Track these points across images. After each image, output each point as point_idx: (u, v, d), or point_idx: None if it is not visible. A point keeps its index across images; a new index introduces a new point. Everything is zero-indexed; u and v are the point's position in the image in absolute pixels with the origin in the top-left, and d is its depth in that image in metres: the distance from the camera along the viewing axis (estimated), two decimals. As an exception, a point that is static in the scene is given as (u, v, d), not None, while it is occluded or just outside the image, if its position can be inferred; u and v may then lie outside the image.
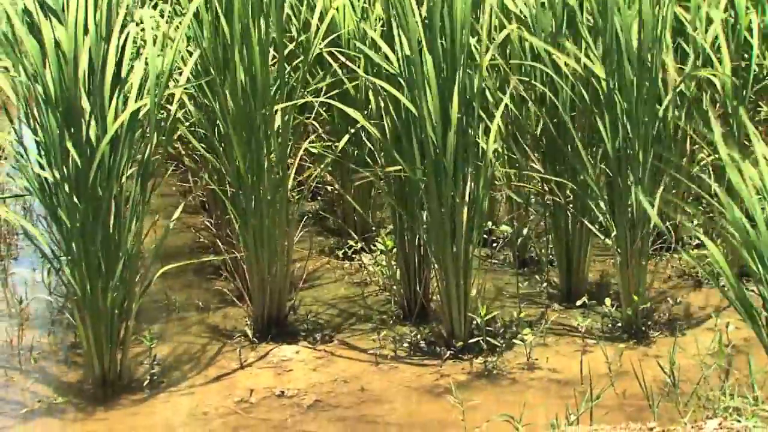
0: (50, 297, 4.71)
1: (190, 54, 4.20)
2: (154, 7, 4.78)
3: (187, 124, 4.47)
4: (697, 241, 5.06)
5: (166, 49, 3.94)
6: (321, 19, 4.44)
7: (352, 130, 4.59)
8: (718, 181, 4.80)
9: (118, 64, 3.79)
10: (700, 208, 5.02)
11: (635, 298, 4.15)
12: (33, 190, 3.80)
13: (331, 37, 4.70)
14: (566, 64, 4.23)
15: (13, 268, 5.19)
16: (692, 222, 4.73)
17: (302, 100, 4.34)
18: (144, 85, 3.82)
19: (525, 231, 4.96)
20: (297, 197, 4.54)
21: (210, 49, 4.08)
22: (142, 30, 3.97)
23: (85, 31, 3.70)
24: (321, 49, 4.47)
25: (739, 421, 2.90)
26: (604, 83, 4.13)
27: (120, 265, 3.79)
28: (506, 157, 4.89)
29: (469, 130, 4.04)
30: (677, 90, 4.23)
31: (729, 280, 2.97)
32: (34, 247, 5.26)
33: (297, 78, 4.30)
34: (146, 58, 3.77)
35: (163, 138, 4.04)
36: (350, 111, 4.27)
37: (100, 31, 3.72)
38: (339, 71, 4.65)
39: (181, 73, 4.15)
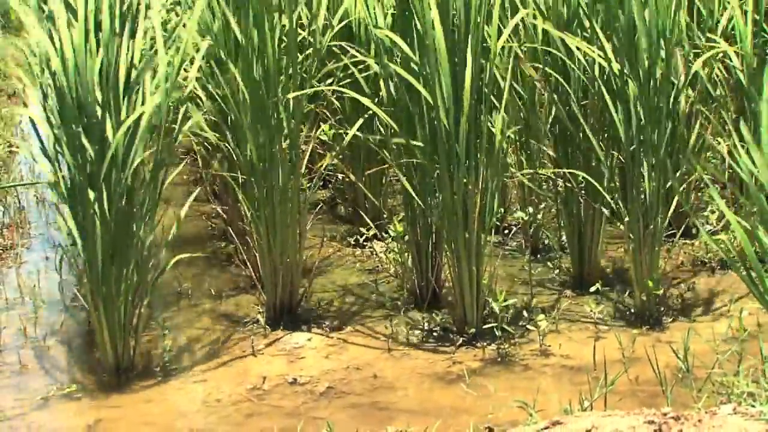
0: (63, 285, 4.72)
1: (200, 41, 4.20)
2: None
3: (200, 113, 4.47)
4: (709, 228, 5.04)
5: (178, 41, 3.94)
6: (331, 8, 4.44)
7: (364, 117, 4.58)
8: (732, 166, 4.79)
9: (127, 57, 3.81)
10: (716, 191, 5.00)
11: (648, 284, 4.14)
12: (47, 178, 3.81)
13: (342, 23, 4.69)
14: (578, 48, 4.21)
15: (26, 257, 5.21)
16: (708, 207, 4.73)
17: (313, 89, 4.33)
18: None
19: (538, 217, 4.94)
20: (309, 185, 4.54)
21: (222, 37, 4.08)
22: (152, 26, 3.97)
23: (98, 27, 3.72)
24: (334, 29, 4.46)
25: (753, 406, 2.89)
26: (616, 67, 4.11)
27: (133, 254, 3.80)
28: (519, 143, 4.88)
29: (482, 117, 4.03)
30: (692, 72, 4.21)
31: (751, 259, 2.95)
32: (47, 236, 5.32)
33: (308, 66, 4.29)
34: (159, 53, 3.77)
35: (175, 127, 4.04)
36: (362, 98, 4.26)
37: (113, 25, 3.74)
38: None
39: (192, 62, 4.15)
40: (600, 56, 4.15)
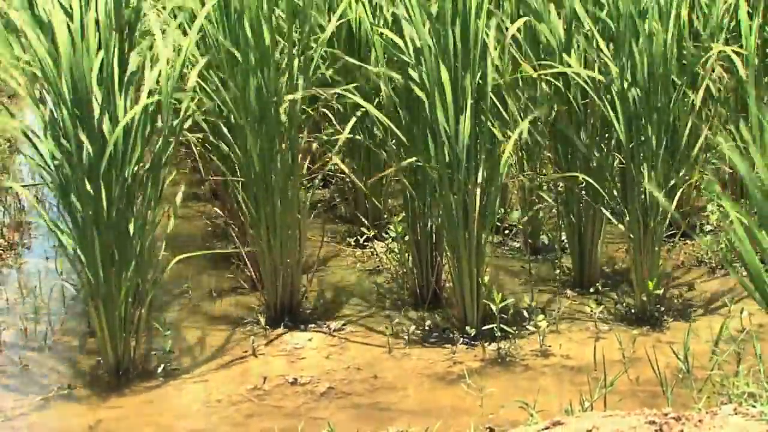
0: (63, 285, 4.72)
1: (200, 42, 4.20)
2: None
3: (199, 112, 4.46)
4: (709, 228, 5.04)
5: (179, 40, 3.94)
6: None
7: (357, 115, 4.56)
8: (733, 167, 4.79)
9: (125, 56, 3.81)
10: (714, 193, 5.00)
11: (649, 284, 4.14)
12: (47, 179, 3.81)
13: (341, 20, 4.69)
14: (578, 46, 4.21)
15: (26, 257, 5.21)
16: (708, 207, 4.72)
17: (312, 91, 4.32)
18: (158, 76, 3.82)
19: (538, 217, 4.94)
20: (309, 185, 4.54)
21: (221, 37, 4.08)
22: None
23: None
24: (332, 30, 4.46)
25: (754, 406, 2.88)
26: (615, 69, 4.11)
27: (133, 254, 3.80)
28: (518, 143, 4.88)
29: (482, 117, 4.03)
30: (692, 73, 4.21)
31: (752, 259, 2.94)
32: (47, 236, 5.31)
33: (306, 66, 4.29)
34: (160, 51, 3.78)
35: (176, 127, 4.04)
36: (361, 101, 4.25)
37: (110, 24, 3.74)
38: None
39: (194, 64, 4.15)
40: (600, 61, 4.15)
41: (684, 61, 4.35)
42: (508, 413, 3.42)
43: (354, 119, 4.45)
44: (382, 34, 4.20)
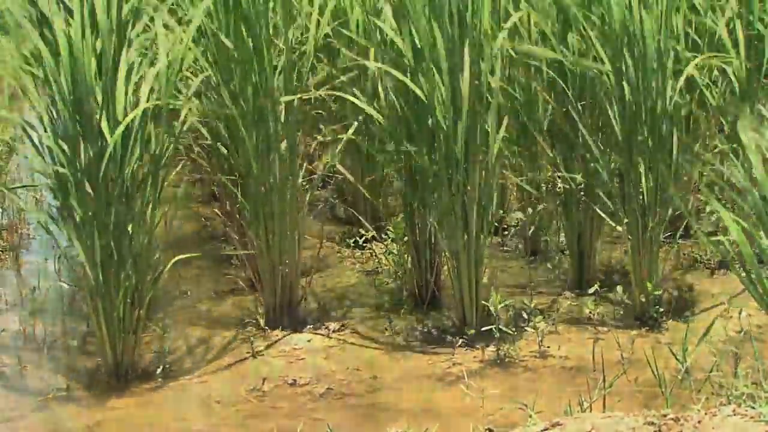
0: (62, 286, 4.72)
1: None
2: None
3: (198, 113, 4.46)
4: (708, 229, 5.04)
5: (176, 42, 3.94)
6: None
7: (360, 118, 4.56)
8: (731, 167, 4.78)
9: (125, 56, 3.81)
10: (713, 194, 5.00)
11: (647, 284, 4.14)
12: (46, 180, 3.81)
13: (338, 22, 4.69)
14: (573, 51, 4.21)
15: (24, 258, 5.21)
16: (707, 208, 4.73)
17: (311, 94, 4.32)
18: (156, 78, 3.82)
19: (536, 219, 4.94)
20: (307, 186, 4.54)
21: (219, 38, 4.08)
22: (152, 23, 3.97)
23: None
24: (330, 30, 4.45)
25: (753, 407, 2.89)
26: (610, 70, 4.11)
27: (132, 255, 3.80)
28: (517, 144, 4.88)
29: (480, 118, 4.03)
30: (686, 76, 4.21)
31: (749, 260, 2.95)
32: (46, 237, 5.31)
33: (303, 64, 4.28)
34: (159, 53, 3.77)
35: (174, 129, 4.04)
36: (358, 102, 4.25)
37: (111, 24, 3.74)
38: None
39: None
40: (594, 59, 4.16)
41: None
42: (507, 414, 3.42)
43: (355, 125, 4.46)
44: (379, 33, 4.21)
